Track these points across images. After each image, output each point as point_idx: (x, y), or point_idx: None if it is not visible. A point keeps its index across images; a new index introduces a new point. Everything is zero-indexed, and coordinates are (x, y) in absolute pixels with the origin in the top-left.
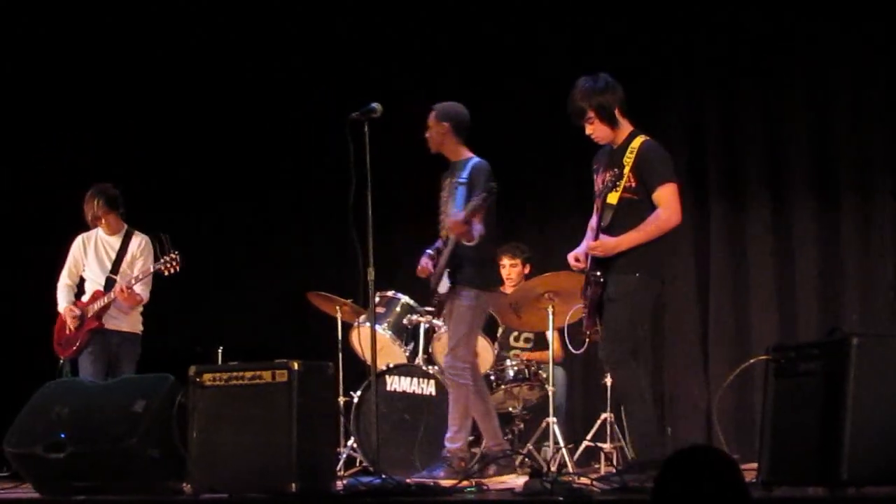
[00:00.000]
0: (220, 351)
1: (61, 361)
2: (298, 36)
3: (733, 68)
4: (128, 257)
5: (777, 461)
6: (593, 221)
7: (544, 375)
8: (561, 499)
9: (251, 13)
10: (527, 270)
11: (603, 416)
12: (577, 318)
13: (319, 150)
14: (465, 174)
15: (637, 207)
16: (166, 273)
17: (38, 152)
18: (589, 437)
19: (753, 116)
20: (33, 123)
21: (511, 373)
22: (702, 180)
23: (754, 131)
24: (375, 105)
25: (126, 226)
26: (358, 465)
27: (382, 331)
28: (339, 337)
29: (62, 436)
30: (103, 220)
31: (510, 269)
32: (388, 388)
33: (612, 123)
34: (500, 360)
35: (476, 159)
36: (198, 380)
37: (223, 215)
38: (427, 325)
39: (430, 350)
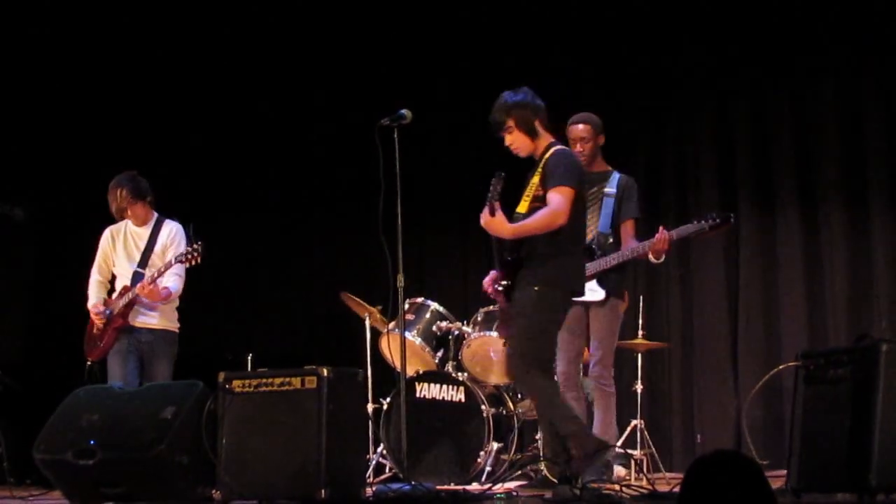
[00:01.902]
0: (249, 357)
1: (88, 363)
2: (331, 44)
3: (762, 74)
4: (157, 249)
5: (806, 468)
6: None
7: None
8: None
9: (285, 23)
10: None
11: (633, 422)
12: None
13: (350, 158)
14: (613, 187)
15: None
16: (187, 265)
17: (74, 162)
18: (619, 443)
19: (783, 123)
20: (72, 126)
21: None
22: (731, 187)
23: (783, 138)
24: (405, 112)
25: (156, 215)
26: (387, 471)
27: (412, 337)
28: (368, 344)
29: (91, 442)
30: (129, 211)
31: None
32: (418, 395)
33: (532, 135)
34: None
35: (618, 173)
36: (227, 386)
37: (253, 222)
38: (457, 332)
39: (459, 357)
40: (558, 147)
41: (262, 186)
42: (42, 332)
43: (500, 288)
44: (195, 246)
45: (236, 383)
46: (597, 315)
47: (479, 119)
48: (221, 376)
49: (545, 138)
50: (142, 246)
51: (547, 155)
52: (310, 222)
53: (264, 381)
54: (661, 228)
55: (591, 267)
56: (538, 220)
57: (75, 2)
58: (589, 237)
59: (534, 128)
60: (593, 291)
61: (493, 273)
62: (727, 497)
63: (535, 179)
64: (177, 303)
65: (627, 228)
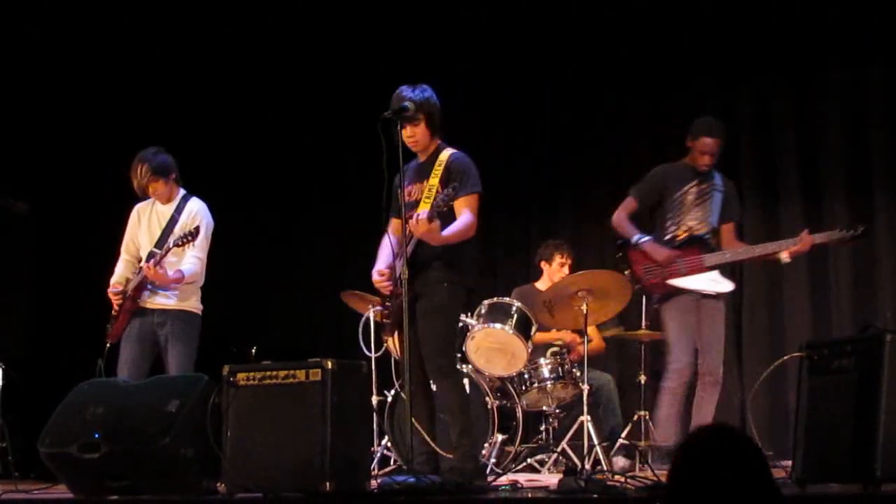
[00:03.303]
0: (254, 350)
1: (107, 346)
2: (333, 39)
3: (767, 66)
4: (177, 229)
5: (811, 458)
6: (392, 239)
7: (578, 374)
8: (595, 496)
9: (287, 19)
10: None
11: (638, 413)
12: (609, 317)
13: (352, 151)
14: (719, 182)
15: (447, 217)
16: (183, 249)
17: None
18: (624, 434)
19: (787, 113)
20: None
21: (545, 371)
22: (735, 177)
23: (787, 128)
24: (408, 104)
25: (182, 192)
26: (392, 464)
27: None
28: (373, 336)
29: (96, 436)
30: (151, 189)
31: (561, 267)
32: None
33: (433, 133)
34: (534, 358)
35: (716, 171)
36: (232, 379)
37: (256, 217)
38: (461, 324)
39: (463, 349)
40: (454, 151)
41: (267, 180)
42: (46, 326)
43: (400, 284)
44: (192, 230)
45: (241, 376)
46: (715, 307)
47: (479, 117)
48: (226, 369)
49: (436, 140)
50: (164, 224)
51: (443, 157)
52: (314, 216)
53: (269, 373)
54: (804, 232)
55: (710, 259)
56: (464, 230)
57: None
58: (704, 230)
59: (437, 127)
60: (717, 283)
61: (383, 269)
62: (720, 477)
63: (435, 182)
64: (199, 283)
65: (731, 228)
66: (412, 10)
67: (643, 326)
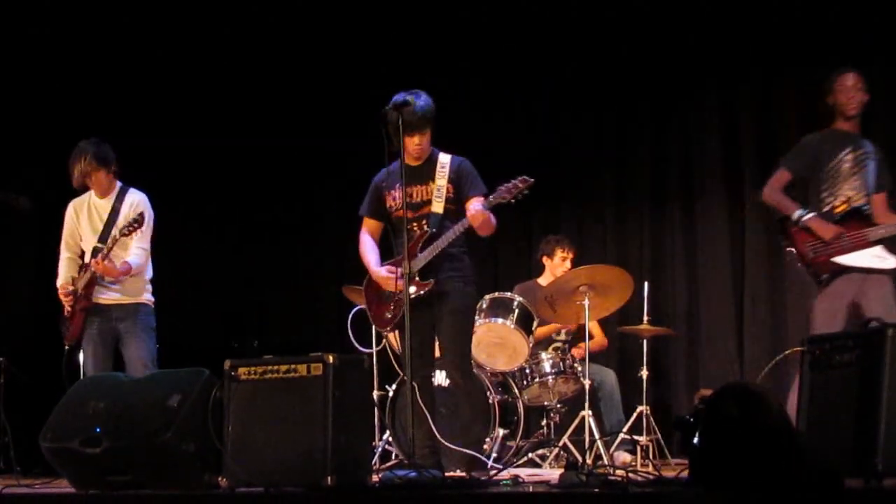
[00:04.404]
0: (256, 344)
1: (66, 349)
2: (332, 40)
3: (767, 63)
4: (120, 220)
5: (812, 453)
6: (370, 239)
7: (579, 369)
8: (596, 491)
9: (288, 14)
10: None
11: (639, 408)
12: (611, 312)
13: (353, 148)
14: (871, 148)
15: (456, 214)
16: (130, 239)
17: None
18: (626, 429)
19: (787, 112)
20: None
21: (547, 366)
22: (737, 175)
23: (788, 126)
24: (409, 98)
25: (119, 185)
26: (394, 458)
27: None
28: (374, 331)
29: (98, 430)
30: (92, 178)
31: (562, 261)
32: None
33: (431, 141)
34: (535, 353)
35: (866, 139)
36: (233, 374)
37: (258, 212)
38: None
39: None
40: (449, 154)
41: (268, 175)
42: (47, 322)
43: (425, 284)
44: (136, 217)
45: (242, 371)
46: (881, 283)
47: (479, 117)
48: (227, 364)
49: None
50: (105, 218)
51: (443, 160)
52: (315, 211)
53: (270, 368)
54: None
55: (874, 233)
56: (493, 227)
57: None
58: (862, 200)
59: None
60: (882, 259)
61: (391, 267)
62: (733, 417)
63: (443, 182)
64: (148, 275)
65: (884, 199)
66: (412, 9)
67: (645, 322)
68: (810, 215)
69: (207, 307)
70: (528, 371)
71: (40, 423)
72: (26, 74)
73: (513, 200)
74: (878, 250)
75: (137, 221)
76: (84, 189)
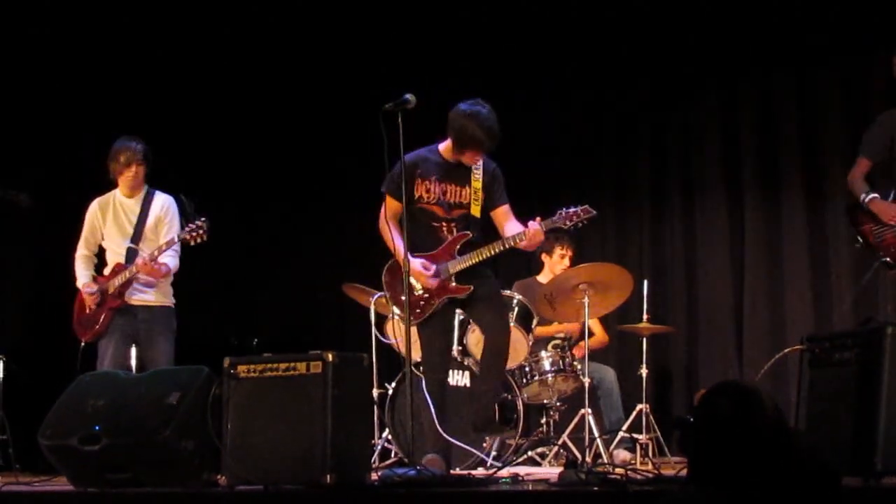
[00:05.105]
0: (255, 343)
1: (82, 345)
2: (332, 40)
3: (768, 60)
4: (150, 222)
5: (810, 451)
6: (393, 225)
7: (579, 367)
8: (596, 489)
9: (290, 14)
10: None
11: (639, 406)
12: (610, 310)
13: (354, 143)
14: None
15: (477, 222)
16: (192, 243)
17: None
18: (625, 427)
19: (787, 110)
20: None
21: (546, 364)
22: (736, 173)
23: (788, 125)
24: (409, 96)
25: (146, 186)
26: (393, 456)
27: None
28: (373, 329)
29: (97, 428)
30: (134, 170)
31: (561, 259)
32: None
33: None
34: (534, 351)
35: None
36: (232, 371)
37: (258, 210)
38: (462, 317)
39: (464, 342)
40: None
41: (268, 174)
42: (47, 319)
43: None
44: (199, 223)
45: (241, 368)
46: None
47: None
48: (227, 362)
49: None
50: (133, 219)
51: (480, 163)
52: (315, 208)
53: (269, 366)
54: None
55: None
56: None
57: None
58: None
59: None
60: None
61: (429, 263)
62: (726, 416)
63: (478, 185)
64: (171, 278)
65: None
66: (412, 9)
67: (644, 320)
68: (872, 196)
69: (206, 304)
70: (527, 369)
71: (39, 421)
72: (26, 73)
73: (571, 228)
74: None
75: (202, 228)
76: (115, 185)
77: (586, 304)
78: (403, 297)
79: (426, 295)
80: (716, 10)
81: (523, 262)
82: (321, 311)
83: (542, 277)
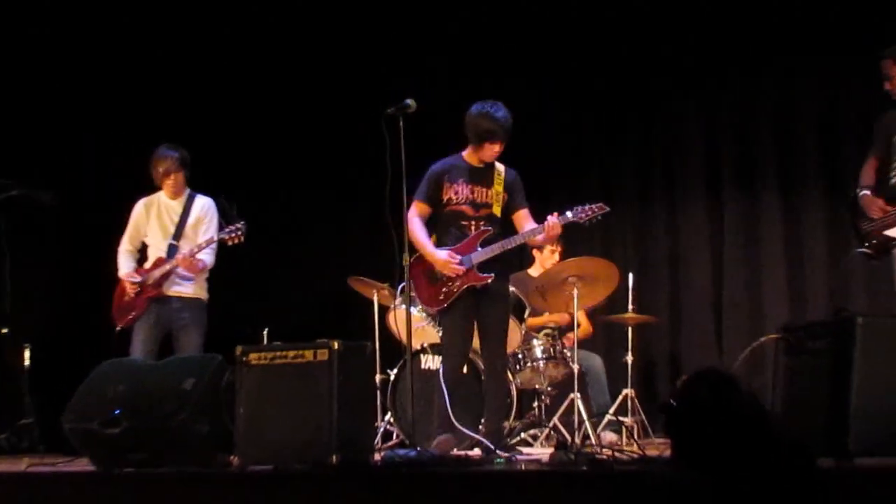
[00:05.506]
0: (265, 332)
1: (117, 330)
2: (334, 40)
3: (746, 68)
4: (191, 221)
5: (785, 433)
6: (420, 224)
7: (569, 354)
8: (584, 468)
9: (299, 18)
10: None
11: (624, 391)
12: (598, 301)
13: (358, 145)
14: None
15: (502, 219)
16: (230, 243)
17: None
18: (612, 411)
19: (765, 112)
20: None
21: (538, 352)
22: (716, 174)
23: (765, 128)
24: (410, 101)
25: (189, 189)
26: (395, 438)
27: (417, 312)
28: (376, 319)
29: (117, 412)
30: (173, 178)
31: (552, 254)
32: (423, 366)
33: None
34: (527, 340)
35: None
36: (244, 359)
37: (269, 207)
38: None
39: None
40: (506, 166)
41: (279, 174)
42: (70, 310)
43: (485, 277)
44: (238, 225)
45: (253, 356)
46: None
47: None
48: (239, 350)
49: None
50: (175, 219)
51: (500, 168)
52: (322, 206)
53: (279, 354)
54: None
55: None
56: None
57: None
58: None
59: None
60: None
61: (454, 253)
62: (705, 400)
63: (500, 189)
64: (206, 274)
65: None
66: (413, 10)
67: (630, 311)
68: (862, 192)
69: (220, 296)
70: (520, 356)
71: (63, 405)
72: (41, 76)
73: (586, 223)
74: None
75: (240, 230)
76: (158, 188)
77: (575, 296)
78: (413, 294)
79: (450, 282)
80: (695, 16)
81: (516, 257)
82: (328, 302)
83: (534, 271)
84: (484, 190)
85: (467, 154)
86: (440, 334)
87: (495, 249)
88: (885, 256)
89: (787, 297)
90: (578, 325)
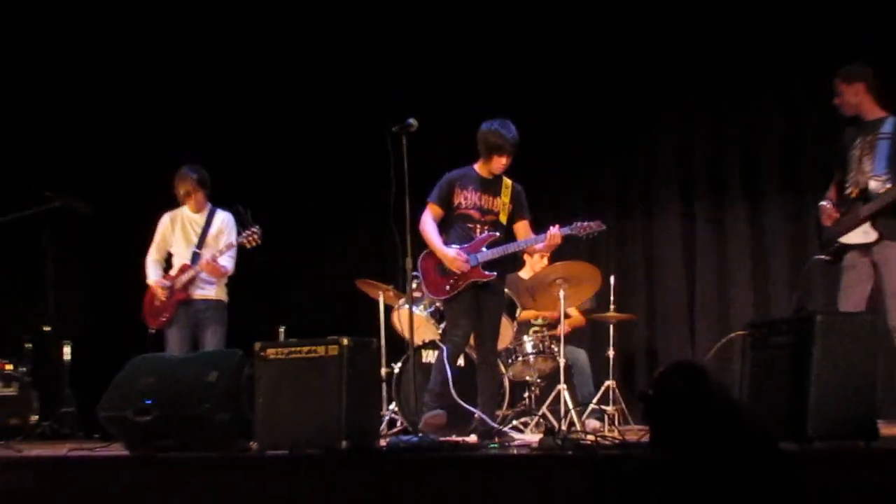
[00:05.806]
0: (282, 329)
1: (150, 331)
2: (336, 44)
3: (716, 91)
4: (212, 231)
5: (751, 420)
6: (433, 224)
7: (556, 349)
8: (570, 453)
9: (310, 30)
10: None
11: (607, 383)
12: (582, 301)
13: (366, 160)
14: (889, 129)
15: (507, 227)
16: (248, 246)
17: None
18: (595, 400)
19: (733, 130)
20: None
21: (528, 347)
22: (689, 184)
23: (734, 143)
24: (412, 121)
25: (210, 205)
26: (398, 425)
27: (419, 311)
28: (382, 317)
29: (148, 402)
30: (193, 197)
31: (541, 258)
32: (424, 360)
33: None
34: (518, 336)
35: (892, 117)
36: (262, 354)
37: (283, 216)
38: None
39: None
40: (512, 180)
41: (292, 186)
42: (106, 310)
43: (489, 275)
44: (254, 229)
45: (270, 351)
46: (879, 258)
47: (477, 116)
48: (257, 345)
49: None
50: (199, 230)
51: (507, 181)
52: (334, 215)
53: (294, 349)
54: None
55: (864, 210)
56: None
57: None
58: (873, 183)
59: None
60: (867, 234)
61: (462, 251)
62: (679, 390)
63: (507, 200)
64: (226, 279)
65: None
66: (413, 10)
67: (611, 309)
68: (822, 203)
69: (240, 296)
70: (512, 351)
71: (99, 395)
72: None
73: (584, 237)
74: (866, 227)
75: (256, 234)
76: (182, 204)
77: (562, 297)
78: (416, 292)
79: (457, 276)
80: (715, 17)
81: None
82: (338, 302)
83: (524, 273)
84: (491, 198)
85: (478, 165)
86: (439, 331)
87: (500, 252)
88: (839, 261)
89: (753, 297)
90: (568, 319)
